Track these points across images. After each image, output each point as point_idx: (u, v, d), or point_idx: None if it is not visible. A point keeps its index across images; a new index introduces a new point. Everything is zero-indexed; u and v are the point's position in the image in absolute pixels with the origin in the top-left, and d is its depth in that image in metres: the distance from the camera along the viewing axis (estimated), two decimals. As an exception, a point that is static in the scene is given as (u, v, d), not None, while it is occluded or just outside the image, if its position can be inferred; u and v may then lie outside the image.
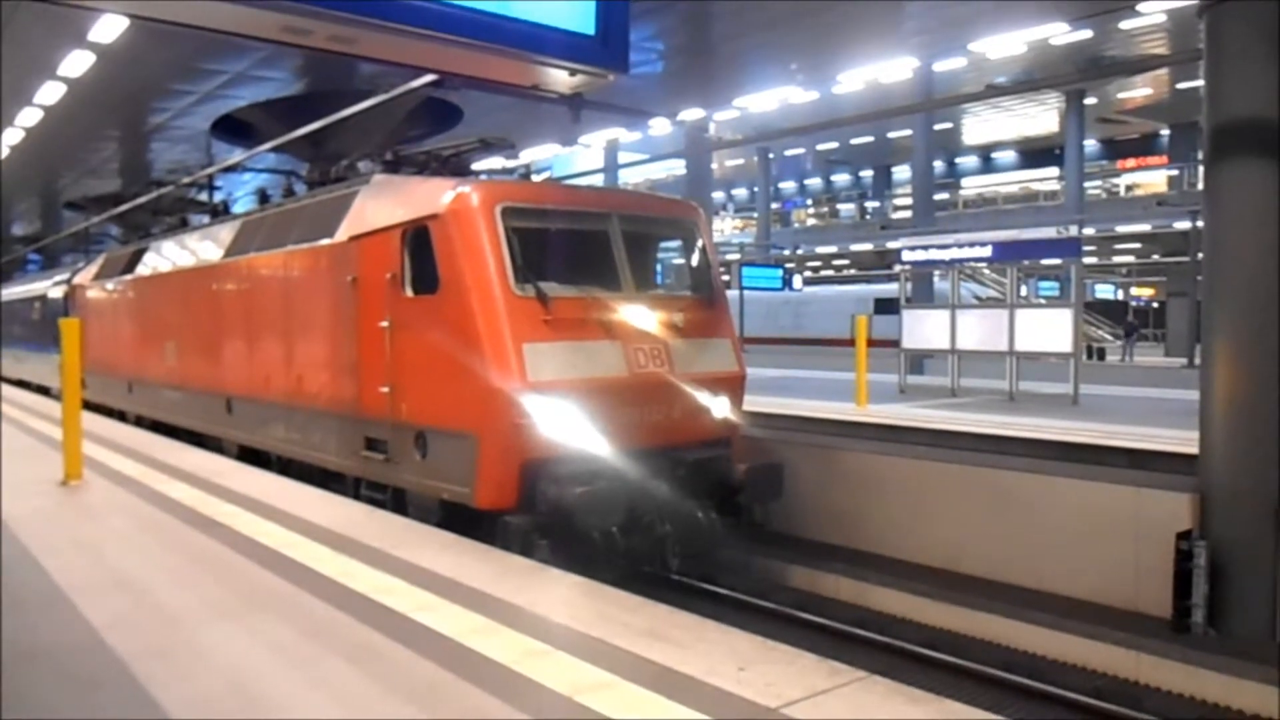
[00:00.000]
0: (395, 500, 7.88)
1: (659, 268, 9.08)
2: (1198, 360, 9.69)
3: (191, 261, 12.85)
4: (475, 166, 9.14)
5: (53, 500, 7.25)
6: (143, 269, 14.72)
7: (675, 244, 9.12)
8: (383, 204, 8.36)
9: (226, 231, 12.00)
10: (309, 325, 9.43)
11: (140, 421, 14.07)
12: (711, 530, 7.52)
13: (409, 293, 7.69)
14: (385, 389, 7.84)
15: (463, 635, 4.08)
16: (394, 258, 7.81)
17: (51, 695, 3.52)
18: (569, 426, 6.94)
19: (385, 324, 7.83)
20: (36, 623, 4.32)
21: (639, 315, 7.58)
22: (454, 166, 8.92)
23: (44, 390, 19.33)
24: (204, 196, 16.38)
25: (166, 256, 14.02)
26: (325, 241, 9.00)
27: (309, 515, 6.61)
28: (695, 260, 8.65)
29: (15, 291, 25.33)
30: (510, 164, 9.32)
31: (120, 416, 14.95)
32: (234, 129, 19.57)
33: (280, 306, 10.07)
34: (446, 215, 7.28)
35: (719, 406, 7.97)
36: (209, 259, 12.10)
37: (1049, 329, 13.97)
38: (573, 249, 7.75)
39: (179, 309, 13.05)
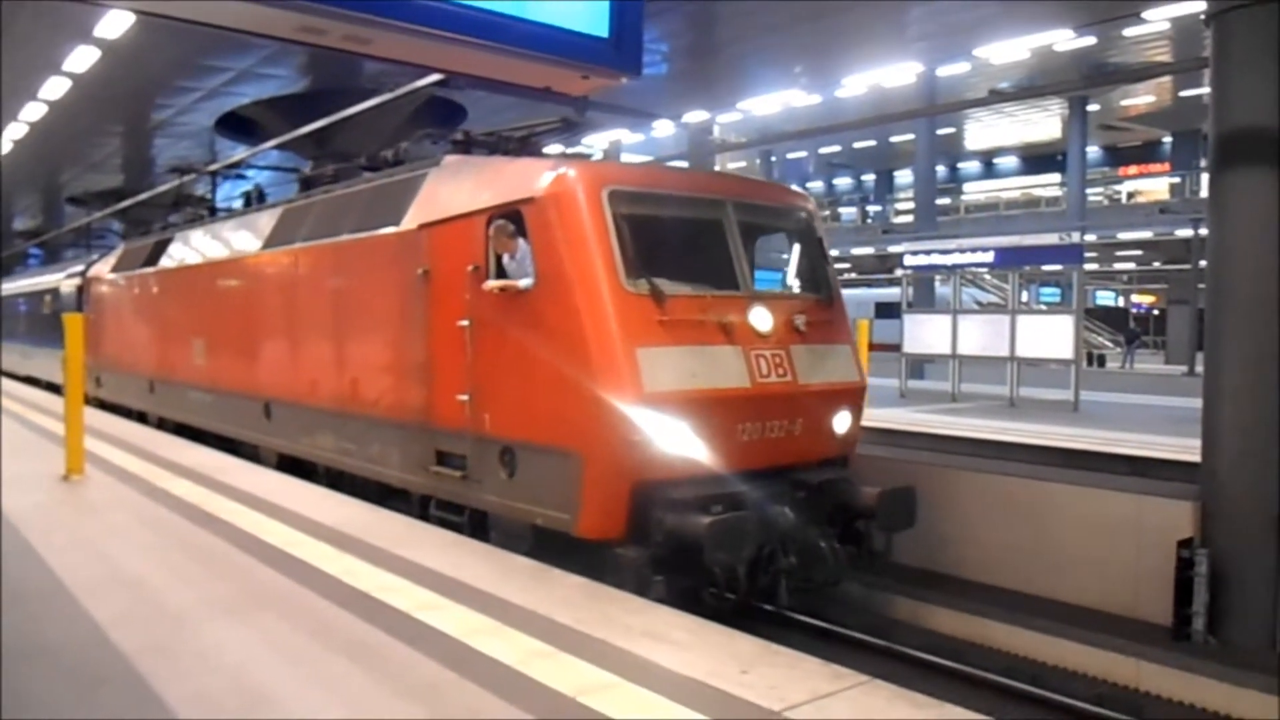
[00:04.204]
0: (474, 523, 7.06)
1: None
2: (1198, 368, 9.69)
3: (224, 252, 11.94)
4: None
5: (54, 495, 7.26)
6: (167, 260, 13.60)
7: (786, 238, 8.05)
8: (460, 187, 7.46)
9: (265, 220, 11.02)
10: (368, 322, 8.54)
11: (163, 424, 13.08)
12: (836, 561, 6.68)
13: (496, 287, 6.80)
14: (464, 397, 6.94)
15: (466, 635, 4.09)
16: (477, 247, 6.91)
17: (55, 692, 3.52)
18: (688, 444, 6.10)
19: (465, 323, 6.95)
20: (38, 619, 4.32)
21: (759, 318, 6.67)
22: (531, 148, 8.09)
23: (54, 388, 19.07)
24: (211, 192, 16.23)
25: (195, 247, 12.99)
26: (389, 230, 8.09)
27: (312, 513, 6.61)
28: (813, 256, 7.70)
29: (22, 285, 25.05)
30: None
31: (140, 418, 13.98)
32: (238, 126, 19.66)
33: (332, 301, 9.14)
34: (545, 199, 6.41)
35: (841, 421, 7.21)
36: (245, 250, 11.22)
37: (1050, 335, 14.03)
38: (685, 240, 6.93)
39: (210, 303, 12.01)
